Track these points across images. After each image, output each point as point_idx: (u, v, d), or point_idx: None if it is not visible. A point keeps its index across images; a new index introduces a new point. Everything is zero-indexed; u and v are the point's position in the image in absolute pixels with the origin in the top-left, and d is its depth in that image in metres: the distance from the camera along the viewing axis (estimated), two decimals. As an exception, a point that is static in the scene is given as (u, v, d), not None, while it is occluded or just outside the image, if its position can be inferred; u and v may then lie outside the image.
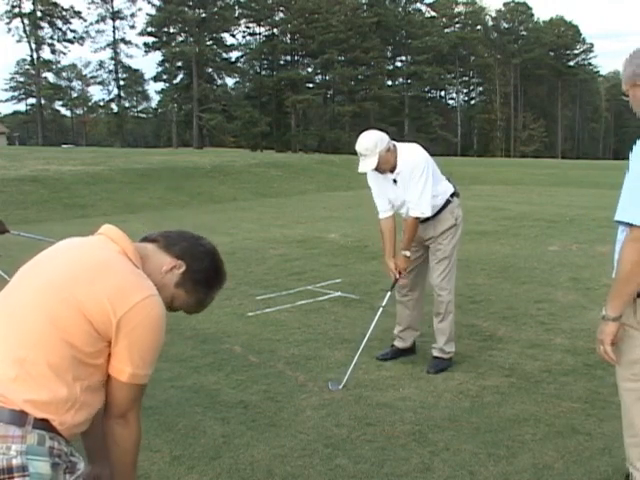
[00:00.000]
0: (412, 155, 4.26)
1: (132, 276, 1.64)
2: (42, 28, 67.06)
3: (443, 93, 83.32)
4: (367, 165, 4.16)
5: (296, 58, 71.43)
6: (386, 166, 4.21)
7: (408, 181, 4.20)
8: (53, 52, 68.84)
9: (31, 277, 1.66)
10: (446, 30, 77.09)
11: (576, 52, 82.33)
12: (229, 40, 75.55)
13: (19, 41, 66.39)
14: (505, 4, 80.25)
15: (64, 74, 74.52)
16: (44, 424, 1.53)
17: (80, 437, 1.83)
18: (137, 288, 1.62)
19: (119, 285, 1.60)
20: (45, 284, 1.61)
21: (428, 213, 4.23)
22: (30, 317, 1.57)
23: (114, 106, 72.78)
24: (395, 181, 4.27)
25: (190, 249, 1.79)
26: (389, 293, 4.50)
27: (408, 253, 4.31)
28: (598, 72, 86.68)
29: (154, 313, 1.62)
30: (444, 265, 4.35)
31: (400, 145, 4.32)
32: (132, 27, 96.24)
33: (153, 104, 77.06)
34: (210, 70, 68.91)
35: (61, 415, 1.55)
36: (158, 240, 1.79)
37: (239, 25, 70.48)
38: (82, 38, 69.18)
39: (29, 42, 66.16)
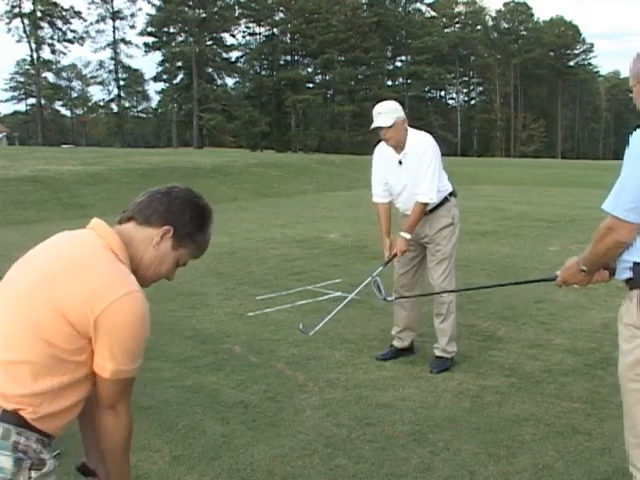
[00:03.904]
0: (423, 139, 4.28)
1: (113, 273, 1.63)
2: (42, 28, 66.99)
3: (443, 93, 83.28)
4: (382, 120, 4.15)
5: (296, 58, 71.38)
6: (396, 137, 4.21)
7: (416, 165, 4.20)
8: (53, 52, 68.82)
9: (19, 277, 1.66)
10: (446, 30, 76.99)
11: (576, 52, 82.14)
12: (229, 40, 75.27)
13: (19, 41, 66.33)
14: (505, 4, 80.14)
15: (64, 74, 74.49)
16: (13, 418, 1.52)
17: (80, 432, 1.85)
18: (116, 285, 1.60)
19: (98, 283, 1.59)
20: (27, 286, 1.61)
21: (435, 199, 4.23)
22: (11, 320, 1.58)
23: (114, 106, 72.73)
24: (400, 162, 4.27)
25: (168, 210, 1.75)
26: (381, 267, 4.51)
27: (408, 236, 4.27)
28: (598, 72, 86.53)
29: (133, 309, 1.60)
30: (444, 266, 4.35)
31: (412, 129, 4.34)
32: (132, 27, 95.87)
33: (153, 104, 77.14)
34: (210, 70, 68.84)
35: (36, 406, 1.55)
36: (135, 217, 1.76)
37: (239, 25, 70.44)
38: (82, 38, 69.11)
39: (29, 42, 66.11)
